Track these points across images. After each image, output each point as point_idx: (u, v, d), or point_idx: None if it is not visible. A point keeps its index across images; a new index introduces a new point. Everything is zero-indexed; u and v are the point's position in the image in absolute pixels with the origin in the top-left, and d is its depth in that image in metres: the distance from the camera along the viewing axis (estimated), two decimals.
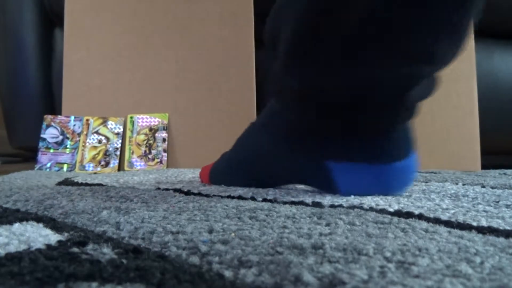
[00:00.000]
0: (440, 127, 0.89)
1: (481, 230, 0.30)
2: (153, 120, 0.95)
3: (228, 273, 0.21)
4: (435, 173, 0.78)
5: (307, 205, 0.40)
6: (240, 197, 0.46)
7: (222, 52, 0.95)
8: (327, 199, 0.42)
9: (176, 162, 0.93)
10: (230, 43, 0.95)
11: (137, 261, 0.22)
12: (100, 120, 0.94)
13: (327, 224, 0.30)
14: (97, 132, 0.92)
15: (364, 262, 0.21)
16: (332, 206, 0.39)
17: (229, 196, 0.47)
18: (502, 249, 0.24)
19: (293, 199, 0.43)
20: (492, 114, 0.99)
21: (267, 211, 0.35)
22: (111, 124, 0.93)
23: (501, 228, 0.30)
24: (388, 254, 0.22)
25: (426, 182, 0.61)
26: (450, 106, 0.89)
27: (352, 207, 0.38)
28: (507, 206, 0.40)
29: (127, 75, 0.96)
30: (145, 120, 0.95)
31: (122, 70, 0.96)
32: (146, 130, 0.94)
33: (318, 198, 0.43)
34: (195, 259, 0.23)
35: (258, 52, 0.95)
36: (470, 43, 0.91)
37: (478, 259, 0.21)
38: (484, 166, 0.91)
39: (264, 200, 0.44)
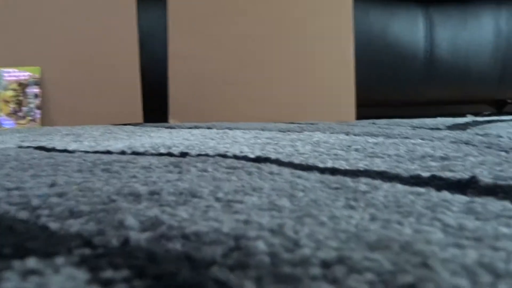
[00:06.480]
0: (318, 80, 0.93)
1: (323, 170, 0.32)
2: (23, 74, 0.86)
3: (53, 225, 0.20)
4: (312, 124, 0.82)
5: (172, 155, 0.40)
6: (108, 152, 0.44)
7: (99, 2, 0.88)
8: (195, 149, 0.43)
9: (51, 120, 0.86)
10: None
11: None
12: None
13: (179, 172, 0.30)
14: None
15: (194, 203, 0.21)
16: (199, 155, 0.40)
17: (96, 151, 0.45)
18: (328, 185, 0.26)
19: (162, 151, 0.42)
20: (367, 67, 1.06)
21: (125, 163, 0.34)
22: None
23: (341, 168, 0.34)
24: (220, 195, 0.23)
25: (299, 132, 0.65)
26: (327, 59, 0.94)
27: (217, 155, 0.39)
28: (356, 150, 0.44)
29: None
30: (12, 74, 0.86)
31: None
32: (15, 85, 0.85)
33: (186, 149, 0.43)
34: (24, 214, 0.22)
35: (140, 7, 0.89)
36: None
37: (300, 194, 0.23)
38: (361, 117, 0.98)
39: (134, 153, 0.43)
